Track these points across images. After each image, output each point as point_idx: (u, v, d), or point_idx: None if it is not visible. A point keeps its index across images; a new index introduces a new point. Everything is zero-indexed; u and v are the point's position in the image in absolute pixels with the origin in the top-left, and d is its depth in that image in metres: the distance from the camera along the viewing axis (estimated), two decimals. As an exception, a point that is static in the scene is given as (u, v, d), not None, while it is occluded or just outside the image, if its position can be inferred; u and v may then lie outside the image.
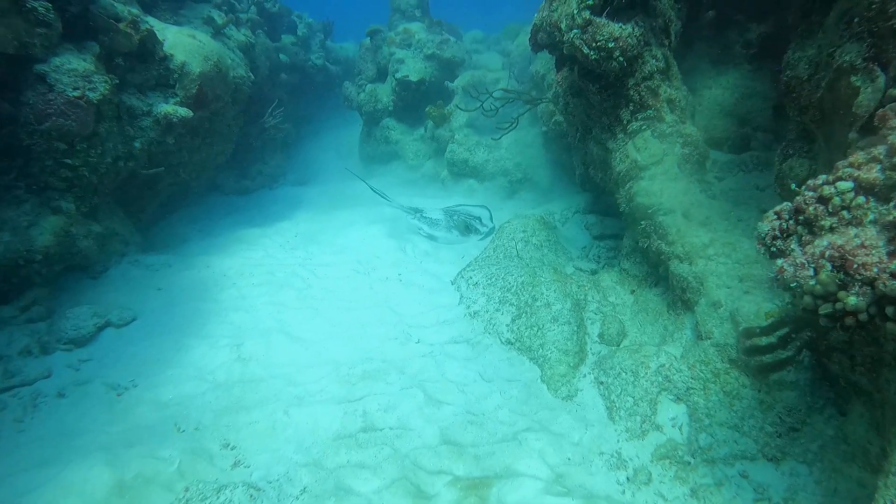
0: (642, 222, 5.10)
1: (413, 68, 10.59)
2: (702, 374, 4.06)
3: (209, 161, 8.24)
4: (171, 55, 6.69)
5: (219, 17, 8.44)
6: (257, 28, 10.98)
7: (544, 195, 9.07)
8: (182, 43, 6.85)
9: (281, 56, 12.54)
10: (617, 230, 7.48)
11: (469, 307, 5.77)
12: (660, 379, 4.26)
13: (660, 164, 5.03)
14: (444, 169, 10.07)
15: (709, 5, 6.32)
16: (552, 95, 7.78)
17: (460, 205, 9.05)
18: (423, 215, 8.23)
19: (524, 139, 9.18)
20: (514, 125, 7.72)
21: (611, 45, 4.64)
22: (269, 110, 9.91)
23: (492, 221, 8.33)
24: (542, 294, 5.50)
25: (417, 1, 11.44)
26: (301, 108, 14.54)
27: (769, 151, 6.32)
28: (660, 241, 4.94)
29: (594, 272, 6.69)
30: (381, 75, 11.58)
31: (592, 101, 5.42)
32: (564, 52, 5.01)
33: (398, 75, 10.62)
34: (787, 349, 3.56)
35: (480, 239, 7.85)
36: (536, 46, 5.46)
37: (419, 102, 10.92)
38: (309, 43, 14.99)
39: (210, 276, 6.70)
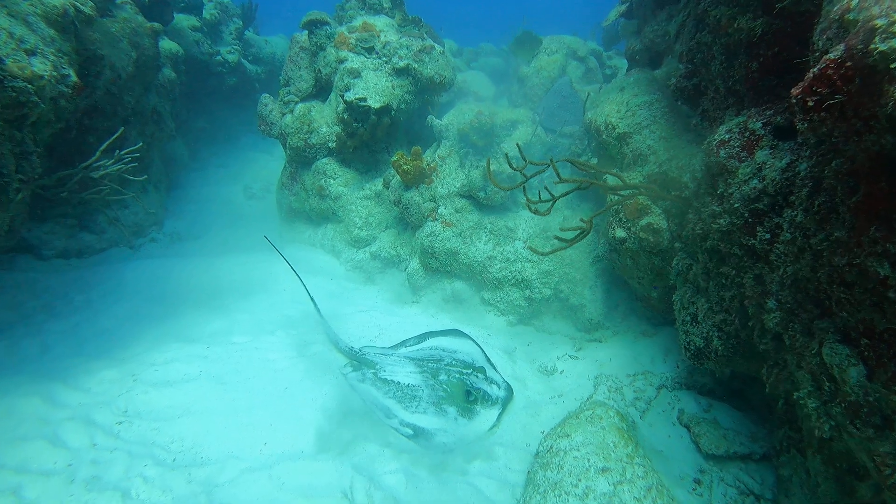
0: None
1: (374, 87, 6.66)
2: None
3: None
4: None
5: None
6: (122, -7, 6.73)
7: (585, 330, 5.38)
8: None
9: (164, 44, 8.25)
10: (753, 446, 3.93)
11: None
12: None
13: None
14: (415, 257, 6.13)
15: None
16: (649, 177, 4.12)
17: (425, 333, 5.00)
18: (382, 376, 4.29)
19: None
20: (581, 237, 3.99)
21: None
22: (104, 146, 5.64)
23: (496, 372, 4.53)
24: None
25: (388, -16, 7.45)
26: (200, 120, 10.27)
27: None
28: None
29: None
30: (322, 91, 7.54)
31: None
32: None
33: (349, 95, 6.65)
34: None
35: (497, 417, 4.03)
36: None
37: (380, 141, 6.99)
38: (220, 30, 10.70)
39: None
